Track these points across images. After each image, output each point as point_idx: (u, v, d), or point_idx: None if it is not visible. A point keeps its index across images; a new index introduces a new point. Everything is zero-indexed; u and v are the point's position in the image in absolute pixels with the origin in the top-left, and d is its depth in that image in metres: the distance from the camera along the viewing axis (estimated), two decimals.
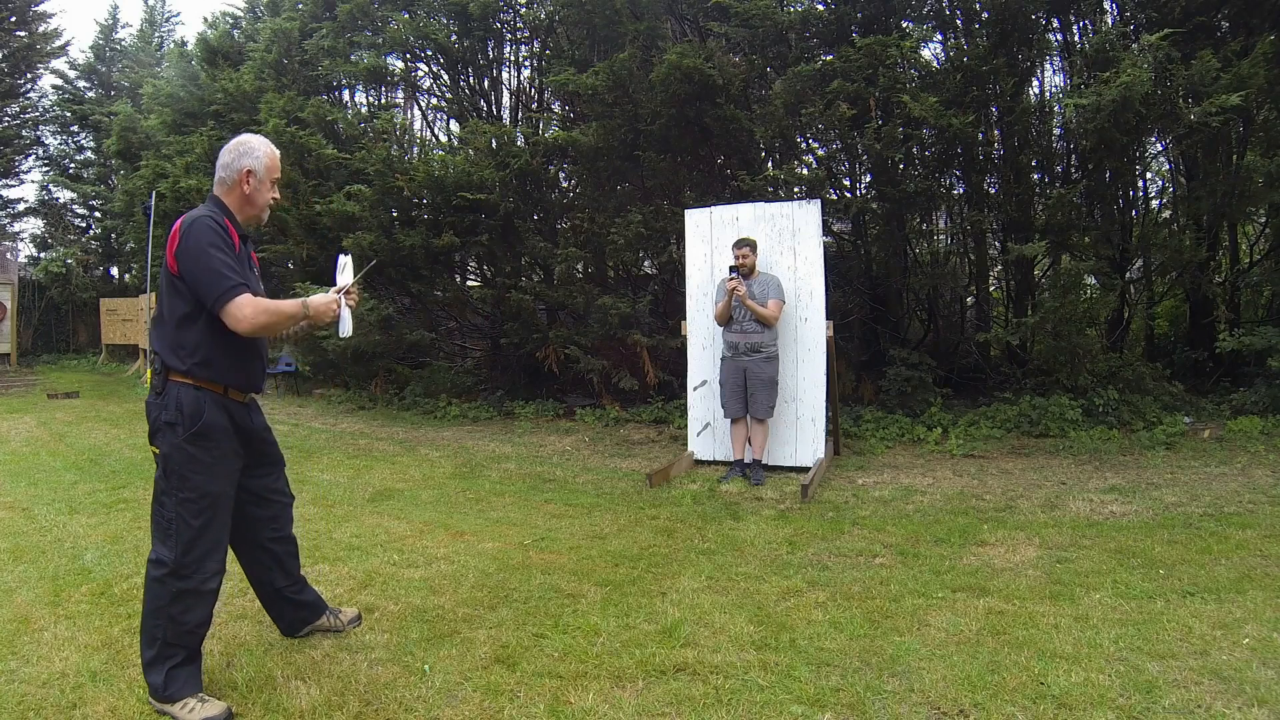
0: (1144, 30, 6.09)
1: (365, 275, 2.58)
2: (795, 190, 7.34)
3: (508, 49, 9.41)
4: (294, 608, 2.70)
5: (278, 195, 2.43)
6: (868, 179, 8.01)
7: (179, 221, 2.23)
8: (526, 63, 9.62)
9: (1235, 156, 6.79)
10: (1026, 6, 6.28)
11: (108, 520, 4.33)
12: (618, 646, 2.64)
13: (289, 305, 2.28)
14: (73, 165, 19.43)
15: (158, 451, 2.26)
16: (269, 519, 2.56)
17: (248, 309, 2.17)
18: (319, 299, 2.36)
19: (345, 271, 2.51)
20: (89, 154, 19.48)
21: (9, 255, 16.92)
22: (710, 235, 5.76)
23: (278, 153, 2.42)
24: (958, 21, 7.18)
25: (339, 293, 2.43)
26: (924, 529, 3.96)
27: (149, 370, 11.90)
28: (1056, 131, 7.14)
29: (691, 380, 5.82)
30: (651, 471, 5.21)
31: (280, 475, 2.62)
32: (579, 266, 8.53)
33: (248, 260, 2.36)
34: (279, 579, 2.63)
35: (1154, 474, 4.91)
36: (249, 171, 2.31)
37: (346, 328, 2.43)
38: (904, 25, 7.06)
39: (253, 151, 2.33)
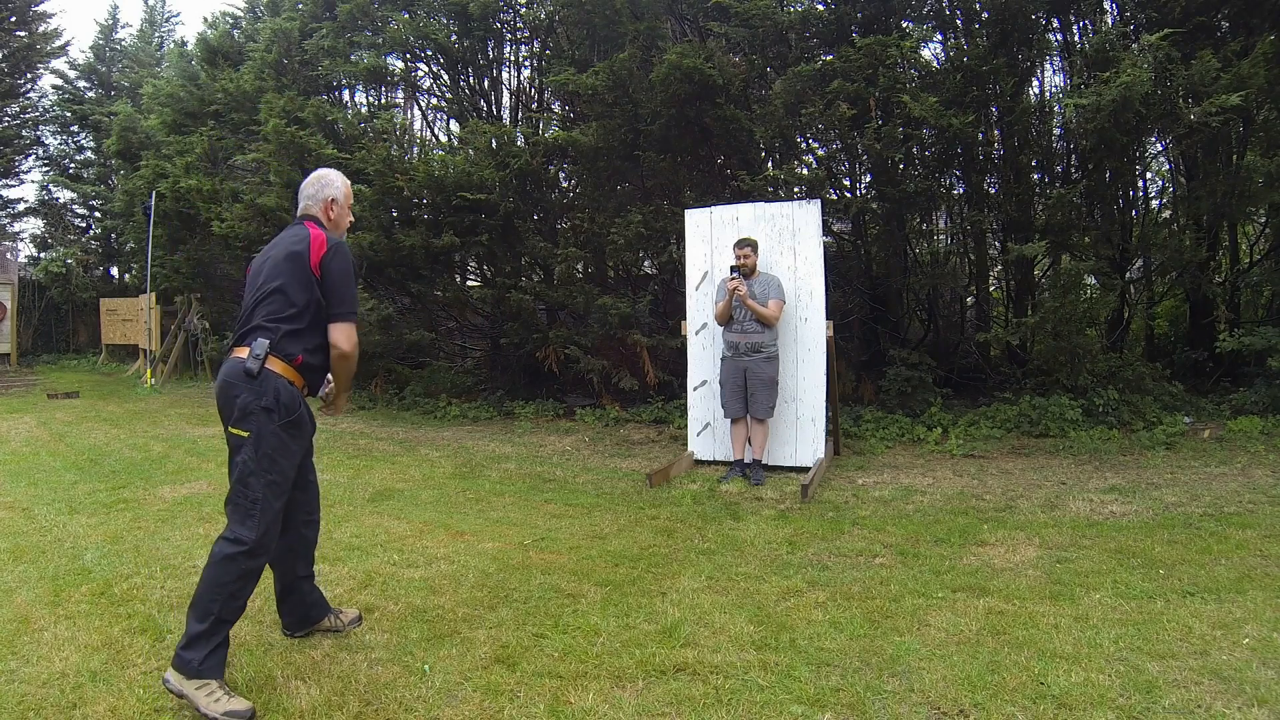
0: (1144, 30, 6.09)
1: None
2: (795, 190, 7.34)
3: (508, 49, 9.41)
4: (303, 603, 2.72)
5: (353, 217, 2.83)
6: (868, 179, 8.01)
7: (319, 236, 2.49)
8: (526, 63, 9.62)
9: (1235, 156, 6.79)
10: (1026, 6, 6.28)
11: (108, 520, 4.32)
12: (618, 646, 2.64)
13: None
14: (73, 165, 19.42)
15: (245, 435, 2.36)
16: (305, 501, 2.68)
17: (355, 337, 2.55)
18: (345, 400, 2.78)
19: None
20: (89, 154, 19.47)
21: (9, 255, 16.92)
22: (710, 235, 5.76)
23: (349, 182, 2.77)
24: (958, 21, 7.18)
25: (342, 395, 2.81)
26: (924, 529, 3.96)
27: (148, 370, 11.93)
28: (1056, 131, 7.14)
29: (691, 380, 5.82)
30: (651, 471, 5.21)
31: (312, 461, 2.74)
32: (579, 266, 8.53)
33: None
34: (301, 566, 2.70)
35: (1154, 474, 4.91)
36: (332, 200, 2.67)
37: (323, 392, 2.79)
38: (904, 25, 7.06)
39: (332, 184, 2.69)
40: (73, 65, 19.12)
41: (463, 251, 8.99)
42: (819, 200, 5.57)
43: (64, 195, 19.20)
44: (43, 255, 18.36)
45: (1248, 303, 7.55)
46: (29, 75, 17.93)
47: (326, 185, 2.68)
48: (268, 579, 2.64)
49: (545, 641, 2.69)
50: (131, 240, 15.33)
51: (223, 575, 2.28)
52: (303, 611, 2.73)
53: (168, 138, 12.01)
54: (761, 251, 5.33)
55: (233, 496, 2.38)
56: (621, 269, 8.87)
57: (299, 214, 2.68)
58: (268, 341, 2.39)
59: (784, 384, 5.34)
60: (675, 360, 7.42)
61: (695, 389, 5.79)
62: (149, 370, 12.08)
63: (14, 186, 18.91)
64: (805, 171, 7.53)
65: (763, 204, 5.72)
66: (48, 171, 19.11)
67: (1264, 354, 6.04)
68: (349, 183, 2.76)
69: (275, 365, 2.40)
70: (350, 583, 3.31)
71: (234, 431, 2.39)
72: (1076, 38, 7.28)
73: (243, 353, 2.42)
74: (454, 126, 10.18)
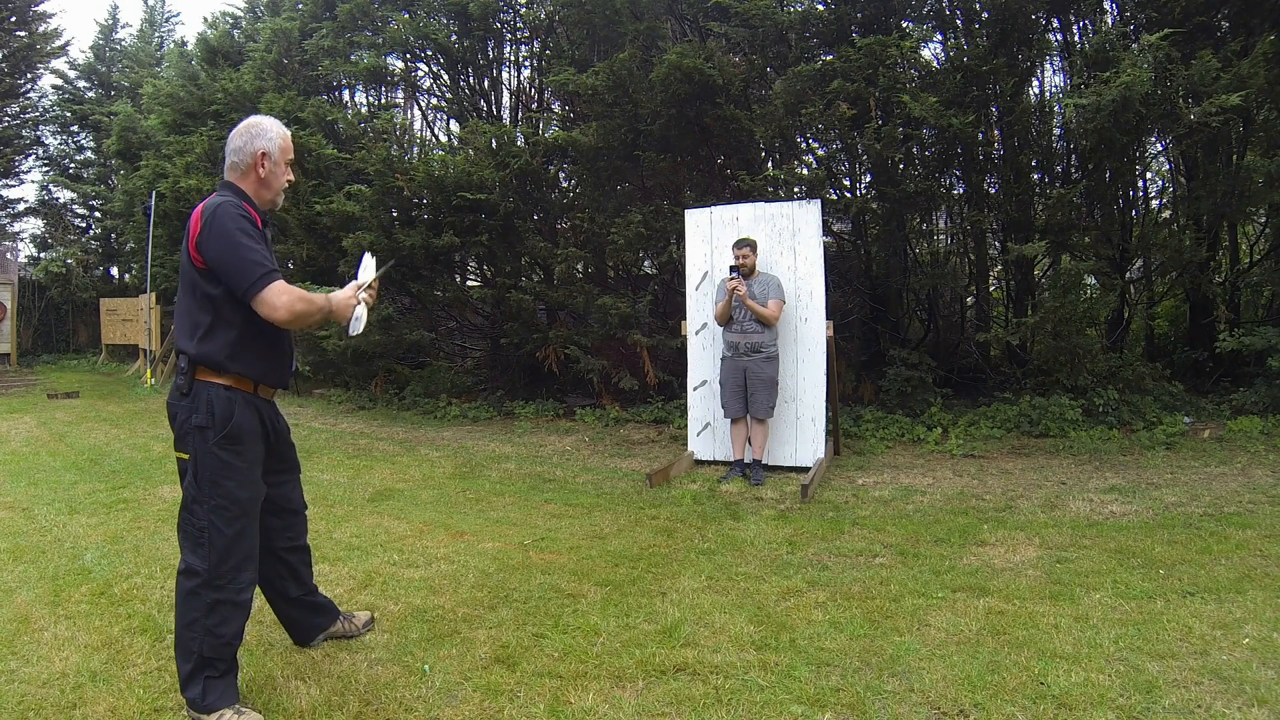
0: (1144, 30, 6.10)
1: (384, 273, 2.59)
2: (795, 190, 7.34)
3: (508, 49, 9.42)
4: (308, 611, 2.63)
5: (292, 176, 2.38)
6: (868, 179, 8.01)
7: (198, 210, 2.13)
8: (526, 63, 9.63)
9: (1235, 156, 6.79)
10: (1026, 6, 6.28)
11: (108, 520, 4.33)
12: (618, 646, 2.64)
13: (318, 298, 2.23)
14: (73, 165, 19.42)
15: (185, 457, 2.17)
16: (284, 528, 2.48)
17: (284, 296, 2.10)
18: (341, 295, 2.32)
19: (367, 269, 2.48)
20: (89, 154, 19.46)
21: (9, 255, 16.93)
22: (710, 235, 5.76)
23: (289, 132, 2.36)
24: (958, 21, 7.18)
25: (359, 288, 2.38)
26: (924, 529, 3.96)
27: (148, 370, 11.92)
28: (1056, 131, 7.14)
29: (691, 380, 5.82)
30: (651, 471, 5.21)
31: (297, 483, 2.55)
32: (579, 266, 8.53)
33: (269, 246, 2.29)
34: (292, 588, 2.56)
35: (1154, 474, 4.91)
36: (264, 154, 2.25)
37: (358, 326, 2.38)
38: (904, 25, 7.06)
39: (265, 133, 2.26)
40: (73, 65, 19.13)
41: (463, 251, 9.00)
42: (819, 200, 5.57)
43: (64, 195, 19.20)
44: (43, 255, 18.36)
45: (1248, 303, 7.55)
46: (29, 75, 17.93)
47: (257, 136, 2.23)
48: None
49: (545, 641, 2.69)
50: (131, 240, 15.34)
51: (191, 612, 2.13)
52: (308, 622, 2.64)
53: (168, 138, 12.01)
54: (761, 251, 5.33)
55: (180, 524, 2.19)
56: (621, 269, 8.88)
57: (223, 177, 2.28)
58: (186, 355, 2.16)
59: (784, 384, 5.34)
60: (675, 360, 7.42)
61: (695, 389, 5.79)
62: (149, 370, 12.08)
63: (14, 186, 18.93)
64: (805, 171, 7.53)
65: (763, 204, 5.72)
66: (48, 171, 19.11)
67: (1264, 354, 6.04)
68: (288, 133, 2.33)
69: (206, 375, 2.16)
70: (350, 583, 3.31)
71: (177, 455, 2.20)
72: (1076, 38, 7.28)
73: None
74: (454, 126, 10.19)
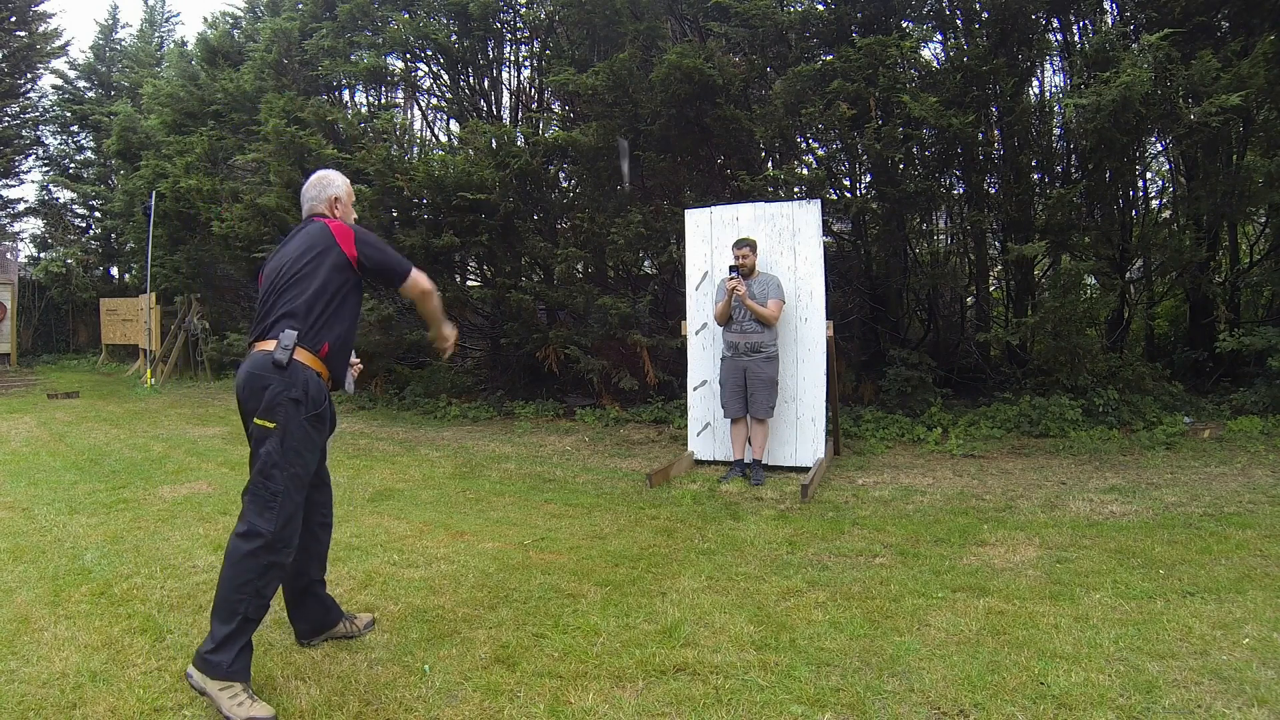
0: (1144, 30, 6.10)
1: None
2: (795, 190, 7.34)
3: (508, 49, 9.42)
4: (319, 605, 2.68)
5: (355, 214, 2.88)
6: (868, 179, 8.01)
7: (338, 224, 2.60)
8: (526, 63, 9.62)
9: (1235, 156, 6.79)
10: (1026, 6, 6.28)
11: (108, 520, 4.33)
12: (618, 646, 2.64)
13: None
14: (73, 165, 19.43)
15: (271, 426, 2.35)
16: (321, 502, 2.68)
17: (425, 278, 2.69)
18: (448, 329, 2.88)
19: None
20: (89, 154, 19.47)
21: (9, 255, 16.93)
22: (710, 235, 5.76)
23: (349, 180, 2.87)
24: (958, 21, 7.18)
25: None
26: (924, 529, 3.96)
27: (148, 370, 11.93)
28: (1056, 131, 7.14)
29: (691, 380, 5.82)
30: (651, 471, 5.21)
31: (325, 458, 2.76)
32: (579, 266, 8.53)
33: None
34: (315, 570, 2.68)
35: (1154, 474, 4.91)
36: (336, 198, 2.74)
37: (351, 387, 3.03)
38: (904, 25, 7.06)
39: (334, 183, 2.76)
40: (73, 65, 19.14)
41: (463, 251, 8.99)
42: (819, 200, 5.57)
43: (64, 195, 19.21)
44: (43, 255, 18.37)
45: (1248, 303, 7.55)
46: (29, 75, 17.93)
47: (328, 185, 2.74)
48: None
49: (545, 641, 2.69)
50: (131, 240, 15.34)
51: (245, 573, 2.23)
52: (320, 616, 2.68)
53: (168, 138, 12.02)
54: (761, 251, 5.33)
55: (253, 488, 2.34)
56: (621, 269, 8.87)
57: (306, 215, 2.73)
58: (295, 333, 2.38)
59: (784, 384, 5.34)
60: (675, 360, 7.42)
61: (695, 389, 5.79)
62: (149, 370, 12.08)
63: (14, 186, 18.95)
64: (805, 171, 7.53)
65: (763, 204, 5.72)
66: (48, 171, 19.12)
67: (1264, 354, 6.05)
68: (348, 181, 2.82)
69: (303, 356, 2.40)
70: (350, 583, 3.31)
71: (260, 423, 2.35)
72: (1076, 38, 7.28)
73: (268, 345, 2.39)
74: (454, 126, 10.19)
